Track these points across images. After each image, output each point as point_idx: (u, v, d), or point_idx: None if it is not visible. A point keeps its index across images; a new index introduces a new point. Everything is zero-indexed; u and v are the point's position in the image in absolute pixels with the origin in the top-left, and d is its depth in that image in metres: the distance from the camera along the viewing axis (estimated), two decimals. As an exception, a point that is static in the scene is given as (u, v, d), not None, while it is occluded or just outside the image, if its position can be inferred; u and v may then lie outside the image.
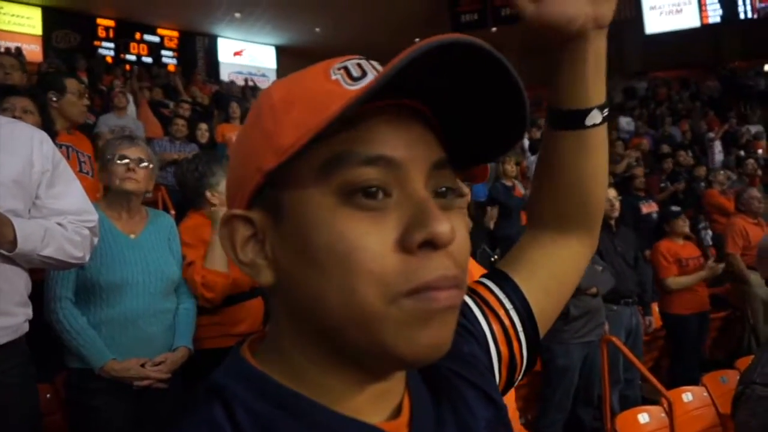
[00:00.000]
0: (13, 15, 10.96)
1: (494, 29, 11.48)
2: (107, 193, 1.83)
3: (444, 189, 0.42)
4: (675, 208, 3.86)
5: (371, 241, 0.38)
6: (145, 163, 1.82)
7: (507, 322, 0.59)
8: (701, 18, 12.61)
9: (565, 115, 0.59)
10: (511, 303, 0.60)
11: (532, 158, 5.31)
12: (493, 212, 3.65)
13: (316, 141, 0.38)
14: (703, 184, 5.86)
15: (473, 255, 3.26)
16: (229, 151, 4.81)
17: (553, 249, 0.64)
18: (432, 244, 0.38)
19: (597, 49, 0.55)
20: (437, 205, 0.40)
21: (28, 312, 1.41)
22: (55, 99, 2.46)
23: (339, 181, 0.38)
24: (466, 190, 1.11)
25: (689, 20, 12.65)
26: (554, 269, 0.64)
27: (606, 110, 0.59)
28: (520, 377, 0.62)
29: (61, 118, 2.48)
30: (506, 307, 0.60)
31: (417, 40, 0.37)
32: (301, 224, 0.39)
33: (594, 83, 0.57)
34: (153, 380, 1.73)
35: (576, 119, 0.58)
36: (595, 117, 0.58)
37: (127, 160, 1.78)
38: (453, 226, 0.38)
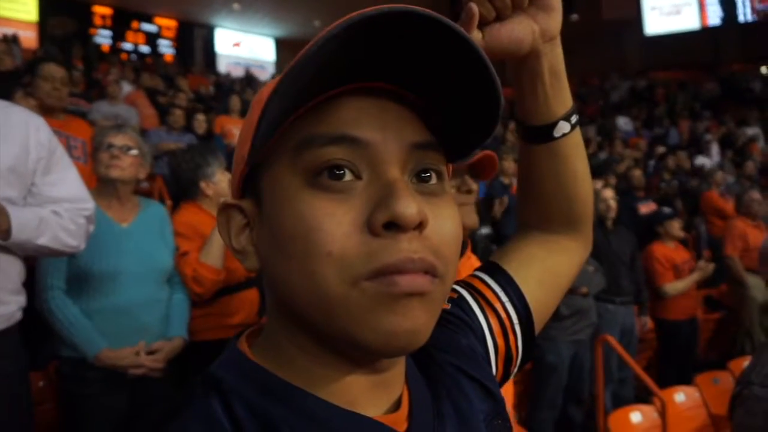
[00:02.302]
0: (8, 0, 10.85)
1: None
2: (97, 182, 1.82)
3: (428, 174, 0.41)
4: (668, 210, 3.85)
5: (332, 222, 0.37)
6: (134, 151, 1.80)
7: (503, 314, 0.59)
8: (701, 19, 12.64)
9: (532, 130, 0.59)
10: (507, 296, 0.60)
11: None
12: (504, 200, 3.63)
13: (289, 127, 0.39)
14: (699, 184, 5.87)
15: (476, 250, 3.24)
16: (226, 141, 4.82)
17: (544, 244, 0.65)
18: (397, 226, 0.36)
19: (552, 62, 0.56)
20: (414, 188, 0.39)
21: (21, 300, 1.39)
22: (28, 82, 2.48)
23: (305, 162, 0.39)
24: (474, 186, 1.10)
25: (689, 21, 12.68)
26: (547, 262, 0.64)
27: (574, 117, 0.60)
28: (516, 370, 0.62)
29: (35, 101, 2.48)
30: (502, 299, 0.60)
31: None
32: (272, 208, 0.40)
33: (555, 96, 0.57)
34: (147, 369, 1.72)
35: (544, 133, 0.59)
36: (563, 127, 0.59)
37: (112, 148, 1.76)
38: (421, 208, 0.37)
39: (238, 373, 0.42)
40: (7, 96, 1.96)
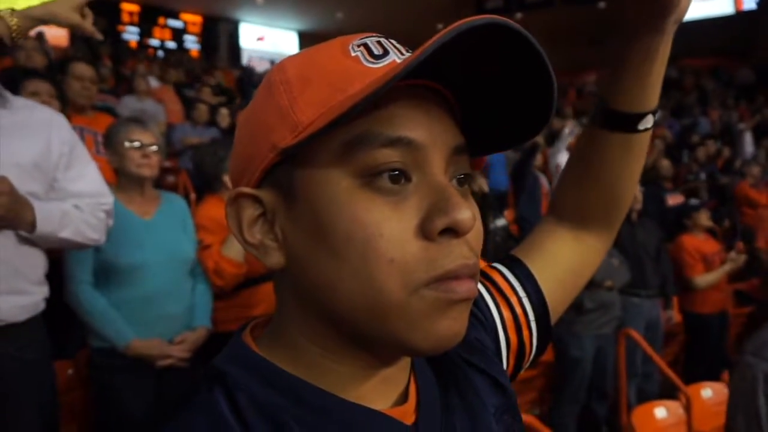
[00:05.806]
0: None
1: (519, 15, 11.26)
2: (119, 177, 1.86)
3: (462, 176, 0.41)
4: (695, 201, 3.76)
5: (392, 227, 0.37)
6: (156, 147, 1.84)
7: (519, 310, 0.58)
8: (735, 3, 12.18)
9: (619, 116, 0.57)
10: (524, 291, 0.59)
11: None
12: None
13: (337, 119, 0.36)
14: (731, 176, 5.70)
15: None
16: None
17: (571, 243, 0.63)
18: (453, 231, 0.37)
19: (666, 48, 0.54)
20: (457, 192, 0.39)
21: (45, 291, 1.44)
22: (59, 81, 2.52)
23: (359, 162, 0.37)
24: (482, 179, 1.10)
25: (723, 6, 12.23)
26: (570, 262, 0.63)
27: (657, 114, 0.58)
28: (527, 365, 0.62)
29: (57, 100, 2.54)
30: (519, 294, 0.59)
31: (440, 26, 0.36)
32: (316, 206, 0.38)
33: (655, 86, 0.56)
34: (175, 359, 1.77)
35: (630, 122, 0.57)
36: (648, 122, 0.57)
37: (140, 145, 1.79)
38: (473, 213, 0.37)
39: (243, 366, 0.41)
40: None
